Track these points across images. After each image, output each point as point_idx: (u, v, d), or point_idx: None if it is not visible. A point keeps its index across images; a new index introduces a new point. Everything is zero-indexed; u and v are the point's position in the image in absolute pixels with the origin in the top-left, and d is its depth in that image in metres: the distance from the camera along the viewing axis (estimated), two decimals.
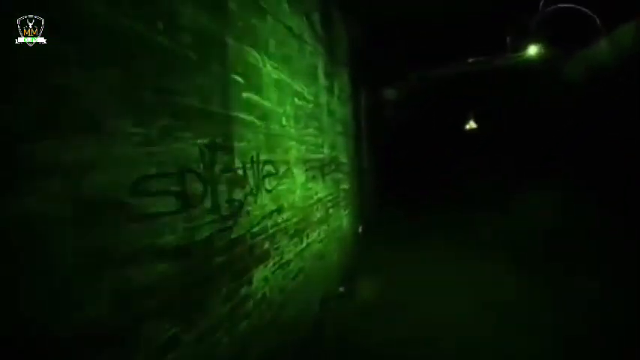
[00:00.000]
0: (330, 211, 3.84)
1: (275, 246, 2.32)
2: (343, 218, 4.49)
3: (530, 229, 5.64)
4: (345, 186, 4.63)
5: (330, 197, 3.82)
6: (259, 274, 2.07)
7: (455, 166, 9.67)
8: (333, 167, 4.03)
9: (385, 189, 8.64)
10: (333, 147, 4.07)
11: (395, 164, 9.36)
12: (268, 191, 2.25)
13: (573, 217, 5.69)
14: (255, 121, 2.13)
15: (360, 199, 5.84)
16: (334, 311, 3.45)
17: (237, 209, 1.86)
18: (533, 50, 5.12)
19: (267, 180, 2.24)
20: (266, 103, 2.30)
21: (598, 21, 5.28)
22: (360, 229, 5.58)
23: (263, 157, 2.20)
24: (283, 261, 2.44)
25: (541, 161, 7.54)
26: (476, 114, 9.40)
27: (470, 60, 6.00)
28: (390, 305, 3.58)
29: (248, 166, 2.01)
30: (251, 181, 2.02)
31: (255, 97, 2.15)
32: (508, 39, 5.61)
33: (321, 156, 3.58)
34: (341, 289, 3.98)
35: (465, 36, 6.52)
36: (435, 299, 3.62)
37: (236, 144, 1.90)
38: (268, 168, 2.27)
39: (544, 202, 6.19)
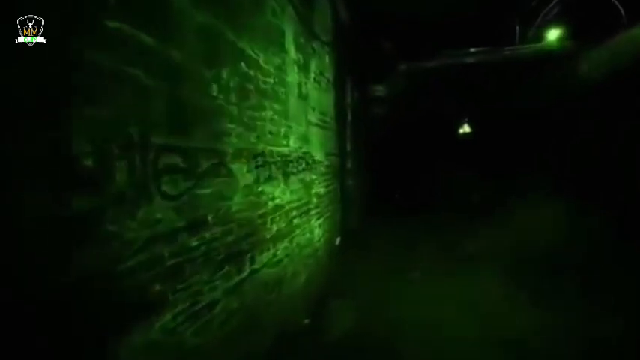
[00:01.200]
0: (296, 221, 2.98)
1: (180, 286, 1.44)
2: (315, 229, 3.63)
3: (534, 242, 4.90)
4: (319, 190, 3.77)
5: (295, 204, 2.96)
6: (136, 338, 1.19)
7: (451, 169, 8.90)
8: (302, 166, 3.17)
9: (372, 193, 7.84)
10: (303, 140, 3.21)
11: (384, 166, 8.57)
12: (169, 198, 1.38)
13: (578, 230, 5.01)
14: (143, 75, 1.25)
15: (341, 205, 5.00)
16: (295, 353, 2.60)
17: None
18: (553, 35, 4.36)
19: (167, 179, 1.36)
20: (174, 54, 1.43)
21: (622, 10, 4.58)
22: (337, 241, 4.74)
23: (159, 141, 1.32)
24: (199, 306, 1.57)
25: (547, 165, 6.86)
26: (474, 113, 8.67)
27: (472, 50, 5.24)
28: (369, 341, 2.76)
29: (114, 152, 1.12)
30: (120, 178, 1.15)
31: (147, 38, 1.27)
32: (517, 28, 4.88)
33: (284, 150, 2.71)
34: (306, 320, 3.12)
35: (467, 27, 5.77)
36: (428, 333, 2.84)
37: (84, 110, 1.02)
38: (172, 160, 1.40)
39: (547, 213, 5.50)
